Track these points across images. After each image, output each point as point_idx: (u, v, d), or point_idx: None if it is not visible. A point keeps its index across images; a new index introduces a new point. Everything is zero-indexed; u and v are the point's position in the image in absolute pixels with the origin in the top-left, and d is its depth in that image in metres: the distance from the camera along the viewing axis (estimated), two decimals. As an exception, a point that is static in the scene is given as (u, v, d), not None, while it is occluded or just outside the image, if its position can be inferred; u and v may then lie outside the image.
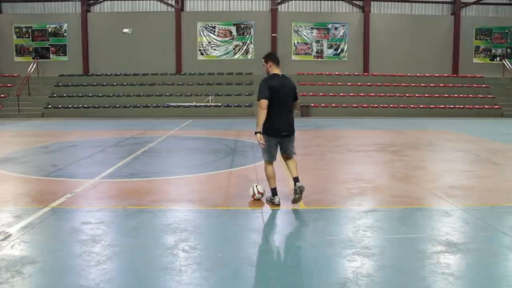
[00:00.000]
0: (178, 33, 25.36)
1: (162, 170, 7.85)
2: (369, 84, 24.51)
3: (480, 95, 24.05)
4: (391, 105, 22.95)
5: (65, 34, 25.64)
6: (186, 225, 4.54)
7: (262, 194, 5.50)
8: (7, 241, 4.06)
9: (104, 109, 22.62)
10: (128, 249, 3.92)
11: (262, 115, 5.06)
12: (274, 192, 5.34)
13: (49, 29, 25.59)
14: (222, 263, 3.58)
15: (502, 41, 26.30)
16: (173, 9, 25.46)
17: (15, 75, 24.85)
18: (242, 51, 25.74)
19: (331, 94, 23.74)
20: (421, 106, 22.96)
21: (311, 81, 24.73)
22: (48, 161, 8.76)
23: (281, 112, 5.18)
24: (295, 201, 5.26)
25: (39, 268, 3.47)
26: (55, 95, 23.71)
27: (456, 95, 23.83)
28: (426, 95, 23.80)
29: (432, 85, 24.48)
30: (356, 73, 25.35)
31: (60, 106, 22.77)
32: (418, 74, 25.18)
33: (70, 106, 22.80)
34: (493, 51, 26.34)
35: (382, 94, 23.80)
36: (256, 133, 5.11)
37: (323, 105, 22.92)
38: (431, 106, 23.00)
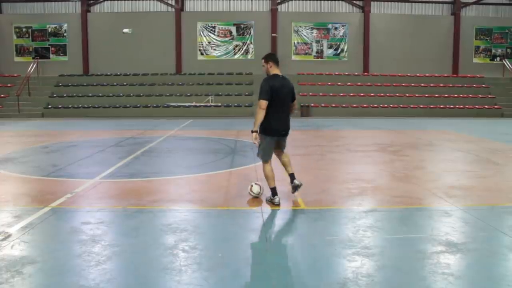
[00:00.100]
0: (178, 33, 25.37)
1: (162, 170, 7.85)
2: (369, 84, 24.51)
3: (480, 95, 24.06)
4: (391, 105, 22.95)
5: (65, 34, 25.64)
6: (186, 225, 4.54)
7: (257, 197, 5.59)
8: (7, 241, 4.06)
9: (104, 109, 22.62)
10: (128, 249, 3.92)
11: (261, 115, 5.12)
12: (273, 192, 5.36)
13: (49, 29, 25.60)
14: (222, 263, 3.58)
15: (502, 41, 26.30)
16: (173, 9, 25.47)
17: (15, 75, 24.85)
18: (242, 51, 25.75)
19: (331, 94, 23.74)
20: (421, 106, 22.97)
21: (311, 81, 24.73)
22: (48, 161, 8.76)
23: (280, 112, 5.26)
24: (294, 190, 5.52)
25: (39, 268, 3.47)
26: (55, 95, 23.72)
27: (456, 95, 23.83)
28: (426, 95, 23.80)
29: (432, 85, 24.48)
30: (356, 73, 25.36)
31: (60, 106, 22.77)
32: (418, 74, 25.19)
33: (70, 106, 22.80)
34: (493, 51, 26.34)
35: (382, 94, 23.80)
36: (252, 131, 5.19)
37: (323, 105, 22.92)
38: (431, 106, 23.00)
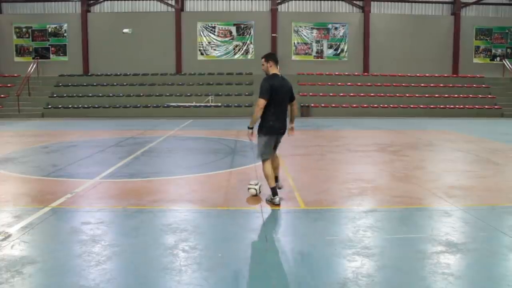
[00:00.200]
0: (178, 33, 25.36)
1: (162, 170, 7.85)
2: (369, 84, 24.51)
3: (480, 95, 24.05)
4: (391, 105, 22.95)
5: (65, 34, 25.64)
6: (186, 225, 4.54)
7: (256, 194, 5.66)
8: (7, 241, 4.06)
9: (104, 109, 22.62)
10: (128, 249, 3.92)
11: (259, 113, 5.26)
12: (274, 191, 5.37)
13: (49, 29, 25.59)
14: (222, 263, 3.58)
15: (502, 41, 26.29)
16: (173, 9, 25.47)
17: (15, 75, 24.85)
18: (242, 51, 25.74)
19: (331, 94, 23.74)
20: (421, 106, 22.96)
21: (311, 81, 24.73)
22: (48, 161, 8.76)
23: (279, 111, 5.34)
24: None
25: (39, 268, 3.47)
26: (55, 95, 23.71)
27: (456, 95, 23.83)
28: (426, 95, 23.80)
29: (432, 85, 24.48)
30: (356, 73, 25.35)
31: (60, 106, 22.76)
32: (418, 74, 25.19)
33: (70, 106, 22.80)
34: (493, 51, 26.33)
35: (382, 94, 23.80)
36: (249, 128, 5.34)
37: (323, 105, 22.92)
38: (431, 106, 23.00)
